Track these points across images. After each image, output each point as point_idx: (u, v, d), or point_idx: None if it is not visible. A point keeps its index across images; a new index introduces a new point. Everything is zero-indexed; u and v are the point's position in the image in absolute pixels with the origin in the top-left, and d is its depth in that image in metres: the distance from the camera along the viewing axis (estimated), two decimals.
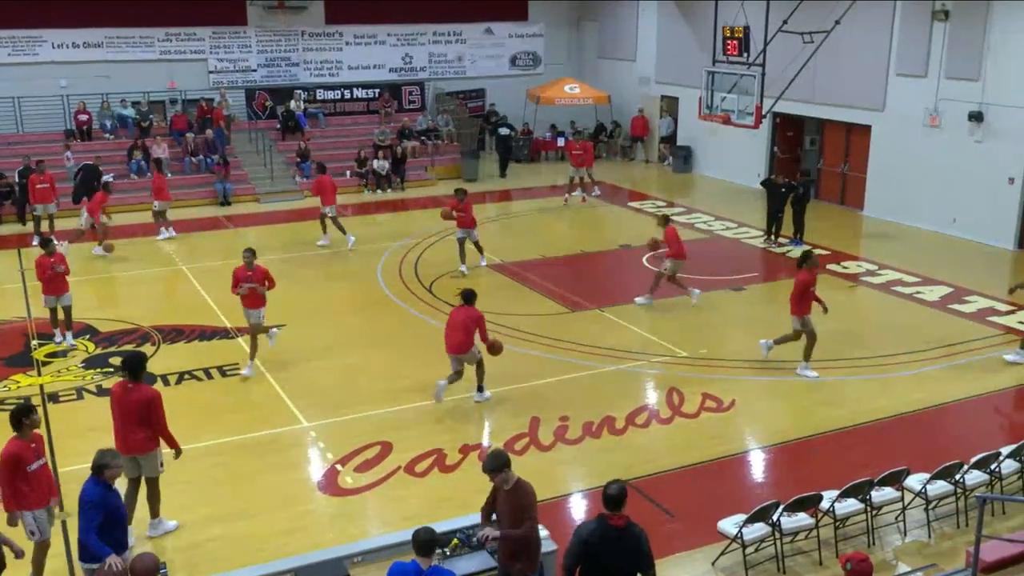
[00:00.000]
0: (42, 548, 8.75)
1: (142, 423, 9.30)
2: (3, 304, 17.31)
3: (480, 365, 12.92)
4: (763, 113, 20.50)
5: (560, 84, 31.30)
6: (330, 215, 20.92)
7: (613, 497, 6.96)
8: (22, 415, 8.43)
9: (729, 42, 21.43)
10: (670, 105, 30.80)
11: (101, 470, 7.83)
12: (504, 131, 30.24)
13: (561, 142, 31.54)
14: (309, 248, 20.92)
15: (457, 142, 30.03)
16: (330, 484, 10.96)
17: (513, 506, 7.37)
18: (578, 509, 10.55)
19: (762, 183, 22.32)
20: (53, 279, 14.73)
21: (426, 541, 6.83)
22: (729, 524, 9.22)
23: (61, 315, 15.07)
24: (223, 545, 9.63)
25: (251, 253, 14.11)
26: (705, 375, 13.99)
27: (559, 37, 34.03)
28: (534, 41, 33.62)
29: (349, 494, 10.73)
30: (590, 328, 15.92)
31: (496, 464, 7.38)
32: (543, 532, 8.08)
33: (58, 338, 15.12)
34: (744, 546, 9.04)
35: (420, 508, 10.16)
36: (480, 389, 13.04)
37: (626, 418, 12.55)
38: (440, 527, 8.10)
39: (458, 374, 12.89)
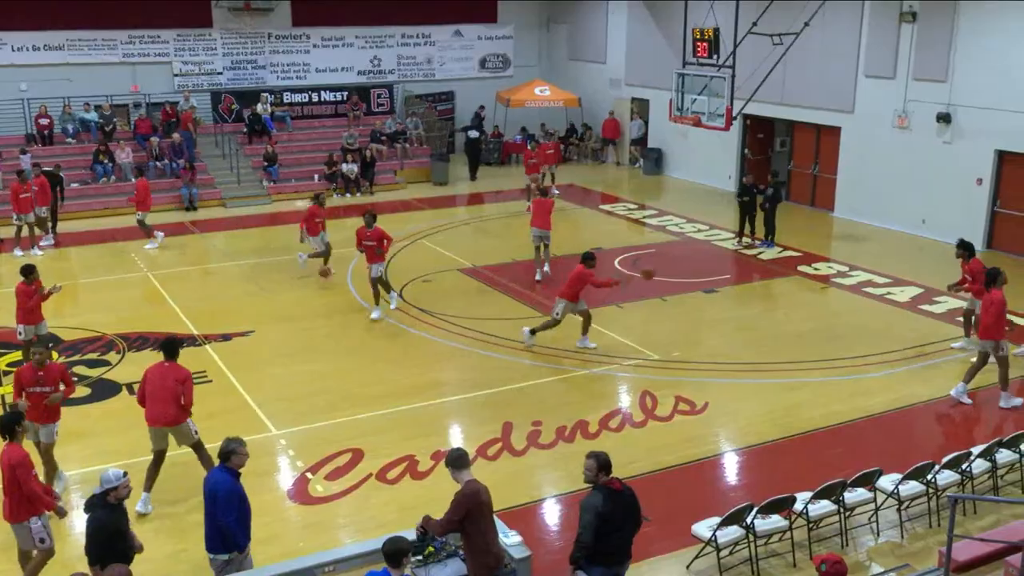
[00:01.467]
0: (48, 555, 8.77)
1: (176, 398, 10.23)
2: None
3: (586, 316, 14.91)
4: (733, 115, 20.64)
5: (530, 87, 31.34)
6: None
7: (608, 462, 7.66)
8: (14, 422, 8.60)
9: (699, 44, 21.56)
10: (641, 107, 30.95)
11: (228, 456, 8.01)
12: (473, 134, 30.24)
13: (530, 144, 31.49)
14: (277, 253, 20.78)
15: (427, 145, 30.00)
16: (300, 492, 10.89)
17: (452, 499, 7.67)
18: (552, 514, 10.56)
19: (738, 192, 22.38)
20: (35, 309, 13.78)
21: (394, 552, 6.89)
22: (703, 527, 9.27)
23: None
24: (190, 557, 9.52)
25: (371, 216, 16.60)
26: (678, 378, 14.07)
27: (529, 39, 34.10)
28: (504, 43, 33.66)
29: (320, 502, 10.68)
30: (562, 332, 15.93)
31: (447, 462, 7.86)
32: (515, 538, 8.08)
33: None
34: (718, 549, 9.09)
35: (393, 515, 10.13)
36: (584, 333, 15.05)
37: (599, 422, 12.59)
38: (411, 535, 8.09)
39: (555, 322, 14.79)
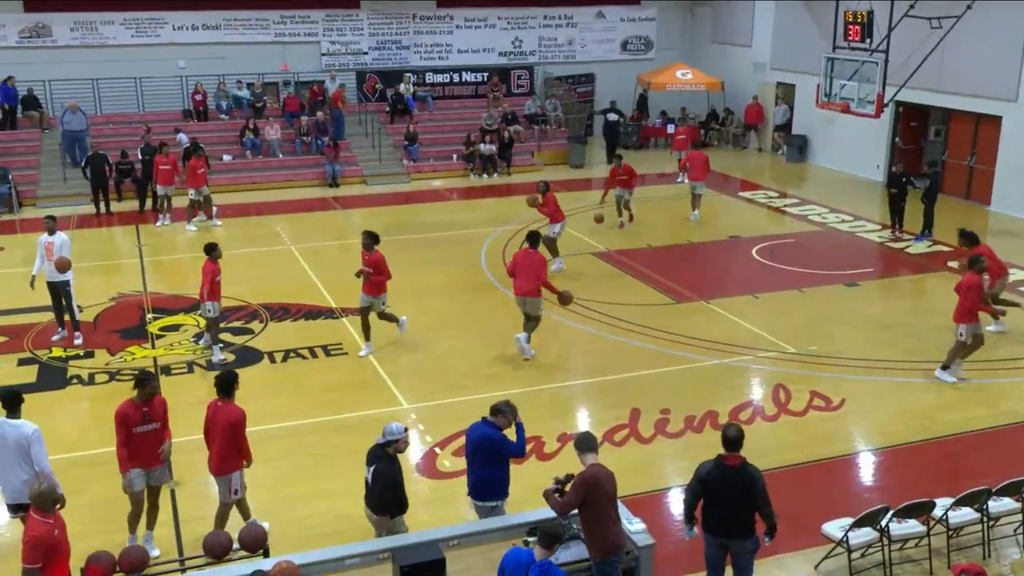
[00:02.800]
0: (231, 507, 9.22)
1: (227, 442, 9.03)
2: (122, 278, 18.09)
3: (536, 319, 13.68)
4: (885, 102, 19.89)
5: (672, 70, 30.90)
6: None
7: (731, 439, 7.73)
8: (232, 381, 9.07)
9: (851, 27, 20.83)
10: (786, 92, 30.09)
11: (496, 412, 8.61)
12: (612, 117, 30.04)
13: (671, 129, 31.15)
14: (414, 231, 21.20)
15: (565, 127, 29.99)
16: (428, 466, 11.13)
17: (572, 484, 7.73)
18: (677, 504, 10.45)
19: (887, 183, 21.49)
20: (217, 287, 13.86)
21: (553, 535, 6.84)
22: (834, 527, 9.02)
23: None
24: (323, 522, 9.88)
25: (371, 237, 14.07)
26: (814, 372, 13.68)
27: (672, 21, 33.59)
28: (646, 25, 33.27)
29: (447, 477, 10.88)
30: (695, 320, 15.74)
31: (575, 444, 7.90)
32: (639, 525, 8.04)
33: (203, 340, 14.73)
34: (850, 551, 8.82)
35: (519, 495, 10.19)
36: (527, 339, 13.84)
37: (729, 413, 12.38)
38: (537, 515, 8.16)
39: (534, 320, 13.80)
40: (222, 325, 14.88)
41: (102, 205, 22.94)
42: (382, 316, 14.41)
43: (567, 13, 32.14)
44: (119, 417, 8.88)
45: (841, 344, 14.74)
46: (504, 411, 8.61)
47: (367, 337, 14.30)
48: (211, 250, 13.84)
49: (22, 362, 13.98)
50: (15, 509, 8.81)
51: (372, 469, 8.31)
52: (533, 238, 14.04)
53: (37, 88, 26.27)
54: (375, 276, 13.85)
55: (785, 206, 23.84)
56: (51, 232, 14.37)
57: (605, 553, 7.58)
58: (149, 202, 23.06)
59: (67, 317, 14.63)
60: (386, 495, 8.22)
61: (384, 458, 8.29)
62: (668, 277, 18.00)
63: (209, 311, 13.87)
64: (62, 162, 24.82)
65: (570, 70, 32.41)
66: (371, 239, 13.99)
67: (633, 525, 8.04)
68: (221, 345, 14.29)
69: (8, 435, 8.56)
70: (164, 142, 22.88)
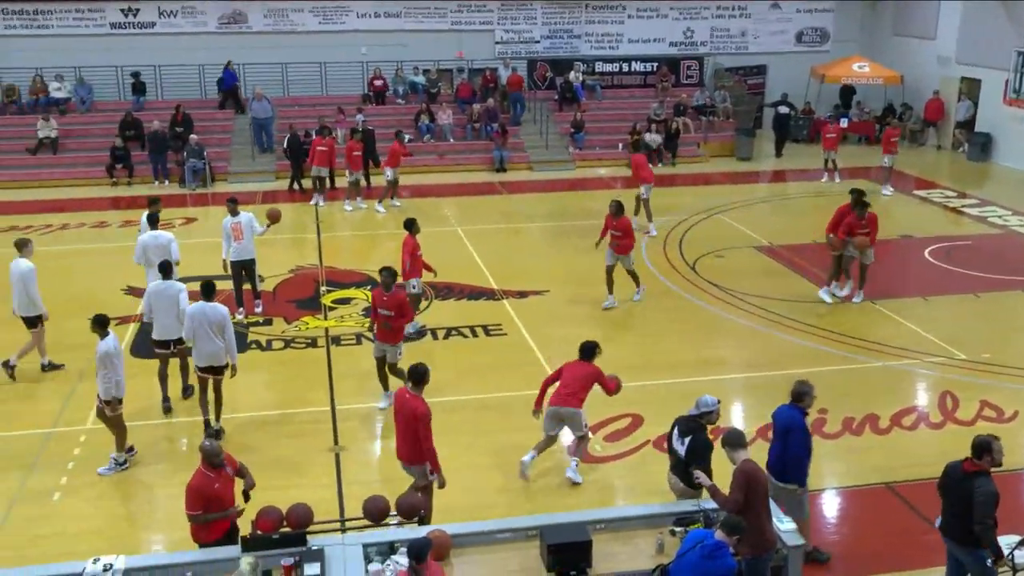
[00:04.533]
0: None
1: (412, 433, 8.91)
2: (300, 252, 18.92)
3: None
4: None
5: (848, 63, 29.68)
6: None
7: (977, 445, 7.68)
8: (424, 373, 8.98)
9: None
10: (970, 88, 28.35)
11: (801, 397, 8.57)
12: (783, 109, 29.13)
13: (844, 123, 29.93)
14: (576, 217, 21.22)
15: (733, 119, 29.31)
16: (580, 450, 11.14)
17: (731, 478, 7.53)
18: (830, 506, 10.11)
19: None
20: (418, 261, 14.03)
21: (734, 524, 6.84)
22: (1000, 543, 8.50)
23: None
24: (476, 496, 10.06)
25: (391, 274, 11.96)
26: (986, 381, 12.90)
27: (851, 12, 32.19)
28: (823, 16, 32.04)
29: (597, 462, 10.89)
30: (859, 319, 15.11)
31: (723, 440, 7.75)
32: (789, 524, 7.83)
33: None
34: (1015, 570, 8.30)
35: (667, 484, 10.11)
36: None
37: (891, 418, 11.84)
38: (684, 506, 8.07)
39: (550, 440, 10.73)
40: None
41: (296, 183, 24.01)
42: (393, 370, 12.11)
43: (741, 4, 31.33)
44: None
45: (1018, 354, 13.83)
46: (809, 393, 8.55)
47: (385, 387, 12.14)
48: (410, 225, 14.05)
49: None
50: (206, 371, 11.14)
51: (688, 440, 8.34)
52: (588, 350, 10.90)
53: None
54: (397, 322, 11.91)
55: (963, 206, 22.54)
56: (234, 214, 14.62)
57: (758, 550, 7.41)
58: (307, 182, 23.75)
59: (247, 286, 15.08)
60: (703, 462, 8.21)
61: (701, 429, 8.37)
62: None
63: (414, 287, 14.01)
64: (251, 143, 26.16)
65: (741, 61, 31.61)
66: (391, 275, 11.93)
67: (783, 524, 7.83)
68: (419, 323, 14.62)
69: (208, 314, 10.94)
70: (326, 125, 23.69)
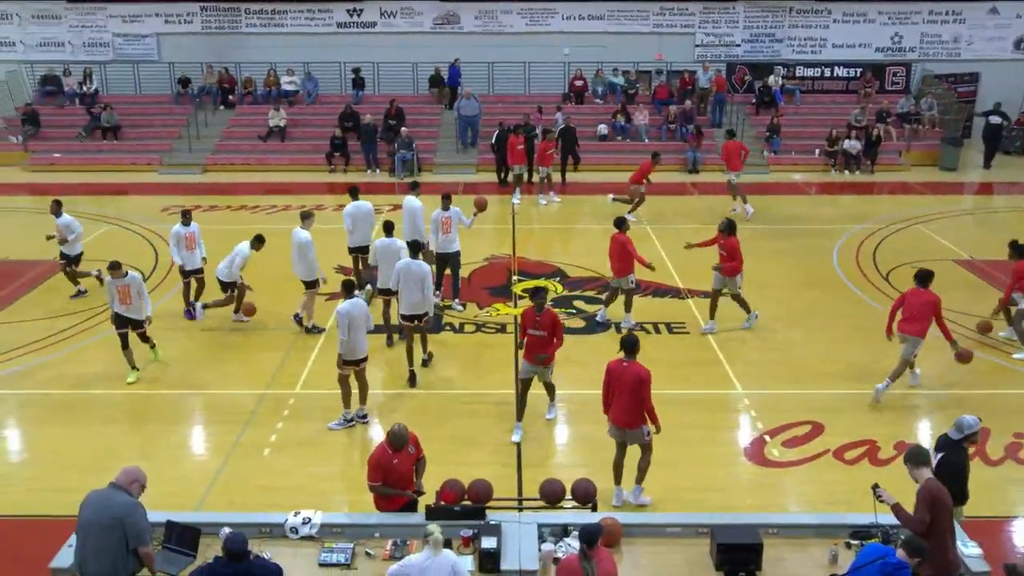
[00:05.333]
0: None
1: (634, 397, 9.32)
2: (495, 241, 19.30)
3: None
4: None
5: None
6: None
7: None
8: (636, 343, 9.50)
9: None
10: None
11: None
12: (995, 119, 27.10)
13: None
14: (767, 221, 20.60)
15: (939, 128, 27.55)
16: (756, 453, 10.87)
17: (916, 497, 7.09)
18: (1021, 535, 9.38)
19: None
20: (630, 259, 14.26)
21: (918, 546, 6.54)
22: None
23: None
24: (649, 488, 9.98)
25: (543, 295, 11.41)
26: None
27: None
28: None
29: (774, 466, 10.57)
30: None
31: (906, 456, 7.37)
32: (975, 550, 7.33)
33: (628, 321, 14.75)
34: None
35: (845, 495, 9.71)
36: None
37: None
38: (861, 519, 7.71)
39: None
40: (577, 292, 15.35)
41: (504, 177, 24.52)
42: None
43: (955, 8, 29.36)
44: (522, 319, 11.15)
45: None
46: None
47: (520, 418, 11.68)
48: (620, 224, 14.38)
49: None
50: (409, 319, 12.46)
51: (939, 458, 8.00)
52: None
53: (443, 69, 28.66)
54: (549, 345, 11.18)
55: None
56: (446, 208, 14.73)
57: (940, 572, 6.99)
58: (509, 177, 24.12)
59: (448, 272, 15.44)
60: (955, 486, 7.81)
61: (957, 449, 8.03)
62: None
63: (631, 282, 14.36)
64: (456, 138, 26.92)
65: (952, 68, 29.65)
66: (543, 297, 11.27)
67: (968, 548, 7.35)
68: (630, 318, 14.67)
69: (413, 270, 12.28)
70: (520, 124, 23.95)
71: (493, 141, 24.79)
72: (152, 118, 28.31)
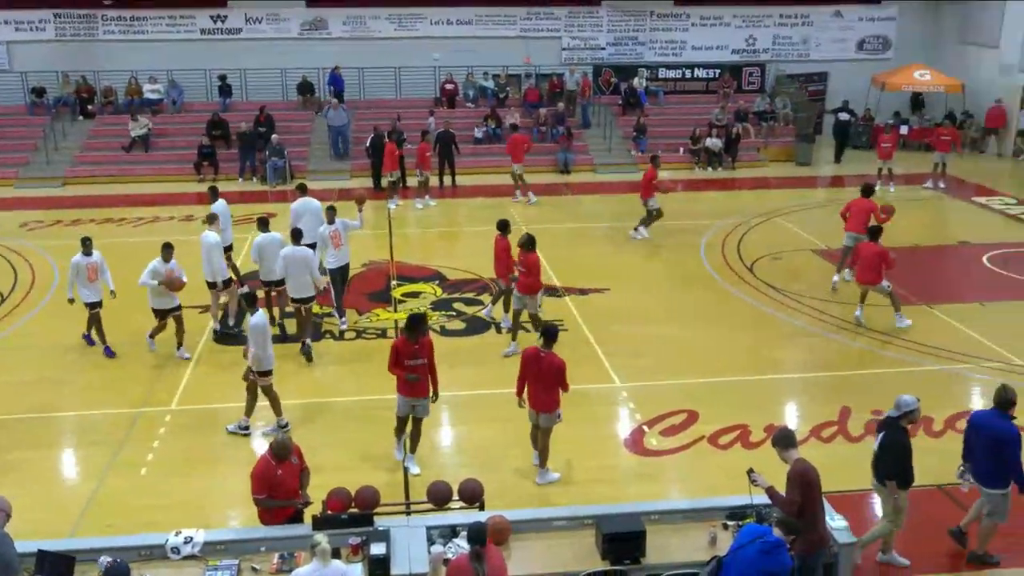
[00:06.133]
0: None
1: (550, 385, 9.85)
2: (373, 247, 19.11)
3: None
4: None
5: (909, 70, 28.97)
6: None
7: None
8: (556, 332, 10.02)
9: None
10: None
11: (1007, 404, 8.42)
12: (844, 116, 28.55)
13: (904, 130, 29.25)
14: (637, 219, 21.07)
15: (793, 125, 28.84)
16: (636, 443, 11.11)
17: (787, 479, 7.37)
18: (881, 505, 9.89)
19: None
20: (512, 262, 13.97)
21: (792, 525, 6.85)
22: None
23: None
24: (532, 485, 10.09)
25: (529, 240, 13.32)
26: None
27: (914, 21, 31.35)
28: (886, 25, 31.30)
29: (653, 455, 10.83)
30: (916, 323, 14.75)
31: (774, 440, 7.68)
32: (841, 522, 7.69)
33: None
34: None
35: (721, 479, 10.03)
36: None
37: (945, 421, 11.55)
38: (737, 500, 7.98)
39: None
40: (456, 295, 15.34)
41: (379, 182, 24.21)
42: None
43: (803, 12, 30.77)
44: (391, 351, 10.14)
45: None
46: (1014, 400, 8.38)
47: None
48: (504, 227, 14.24)
49: (287, 314, 14.99)
50: (299, 301, 13.37)
51: (881, 437, 8.34)
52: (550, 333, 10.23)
53: (311, 75, 28.19)
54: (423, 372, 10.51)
55: (1023, 214, 21.87)
56: (331, 221, 14.28)
57: (812, 547, 7.30)
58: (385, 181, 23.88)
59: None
60: (899, 465, 8.21)
61: (896, 428, 8.27)
62: (891, 279, 16.94)
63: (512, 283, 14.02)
64: (329, 145, 26.52)
65: (803, 69, 31.05)
66: (421, 322, 10.52)
67: (836, 521, 7.71)
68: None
69: (298, 255, 13.17)
70: (392, 129, 23.77)
71: (368, 145, 24.55)
72: (5, 130, 26.80)
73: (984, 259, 18.15)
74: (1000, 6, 28.33)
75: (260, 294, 14.10)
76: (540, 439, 10.17)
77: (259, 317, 10.95)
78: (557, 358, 9.82)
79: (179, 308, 13.45)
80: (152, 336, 13.57)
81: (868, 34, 31.31)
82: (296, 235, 13.45)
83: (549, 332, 9.99)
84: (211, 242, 13.87)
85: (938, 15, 31.38)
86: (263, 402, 11.25)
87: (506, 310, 14.53)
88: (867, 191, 16.24)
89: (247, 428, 11.24)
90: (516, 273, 13.68)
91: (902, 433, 8.24)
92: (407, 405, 10.20)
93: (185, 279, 13.39)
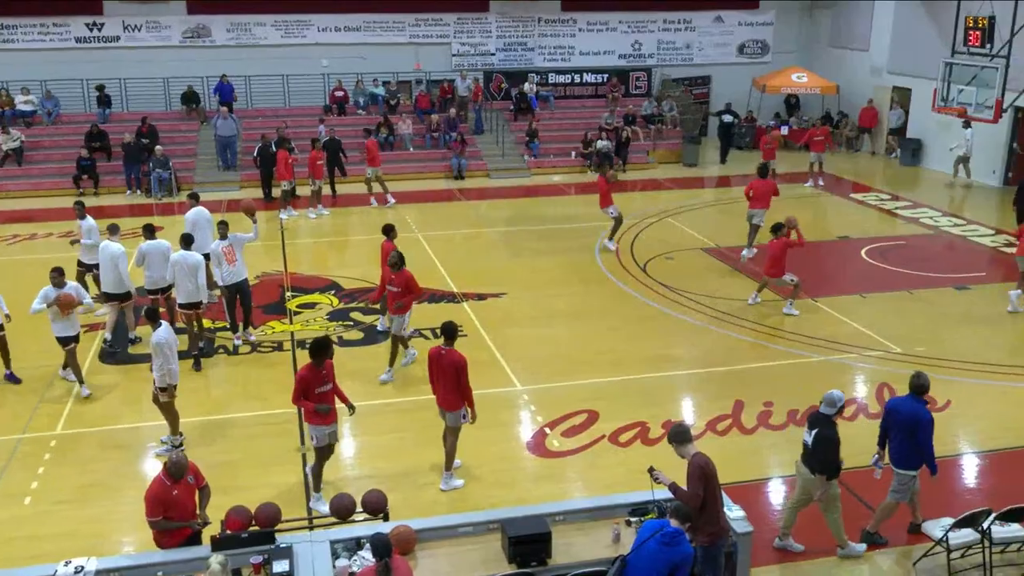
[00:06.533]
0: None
1: (452, 382, 9.89)
2: (266, 258, 18.74)
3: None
4: (1004, 107, 18.88)
5: (787, 73, 30.09)
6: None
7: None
8: (455, 329, 9.95)
9: (971, 32, 19.89)
10: (902, 96, 28.90)
11: (922, 389, 8.89)
12: (727, 118, 29.46)
13: (784, 130, 30.37)
14: (532, 223, 21.28)
15: (680, 127, 29.58)
16: (538, 445, 11.19)
17: (686, 474, 7.50)
18: (776, 494, 10.24)
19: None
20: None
21: (686, 512, 6.99)
22: (934, 526, 8.69)
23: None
24: (437, 493, 10.05)
25: (399, 258, 12.78)
26: None
27: (789, 25, 32.62)
28: (764, 29, 32.45)
29: (556, 456, 10.92)
30: (802, 317, 15.33)
31: (670, 437, 7.74)
32: (738, 512, 7.90)
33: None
34: (949, 551, 8.47)
35: (622, 476, 10.20)
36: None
37: None
38: (638, 497, 8.12)
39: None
40: (353, 304, 15.18)
41: (269, 193, 23.73)
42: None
43: (686, 17, 31.62)
44: (300, 382, 9.51)
45: (949, 346, 14.13)
46: (928, 385, 8.93)
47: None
48: (388, 231, 14.18)
49: (179, 331, 14.55)
50: (186, 307, 13.46)
51: (814, 433, 8.63)
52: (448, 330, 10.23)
53: (196, 84, 27.44)
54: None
55: (897, 209, 22.96)
56: (224, 236, 13.81)
57: (713, 538, 7.47)
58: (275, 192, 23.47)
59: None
60: (829, 458, 8.57)
61: (828, 424, 8.62)
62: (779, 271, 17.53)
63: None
64: (217, 155, 25.86)
65: (687, 72, 31.91)
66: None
67: (733, 512, 7.92)
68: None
69: (189, 261, 13.25)
70: (286, 137, 23.35)
71: (255, 155, 24.04)
72: None
73: (863, 253, 18.98)
74: (869, 10, 29.71)
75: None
76: (447, 440, 10.16)
77: (164, 332, 10.62)
78: (457, 354, 9.90)
79: (78, 338, 12.52)
80: (65, 368, 12.75)
81: (748, 38, 32.39)
82: (187, 240, 13.58)
83: (448, 329, 10.01)
84: (117, 252, 13.66)
85: (812, 20, 32.71)
86: (160, 420, 10.92)
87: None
88: (763, 171, 18.61)
89: (180, 444, 10.94)
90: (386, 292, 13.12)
91: (833, 429, 8.64)
92: (326, 435, 9.68)
93: (87, 299, 12.69)
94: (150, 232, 14.01)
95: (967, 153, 24.81)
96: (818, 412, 8.76)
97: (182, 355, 12.21)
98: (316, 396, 9.51)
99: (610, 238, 19.22)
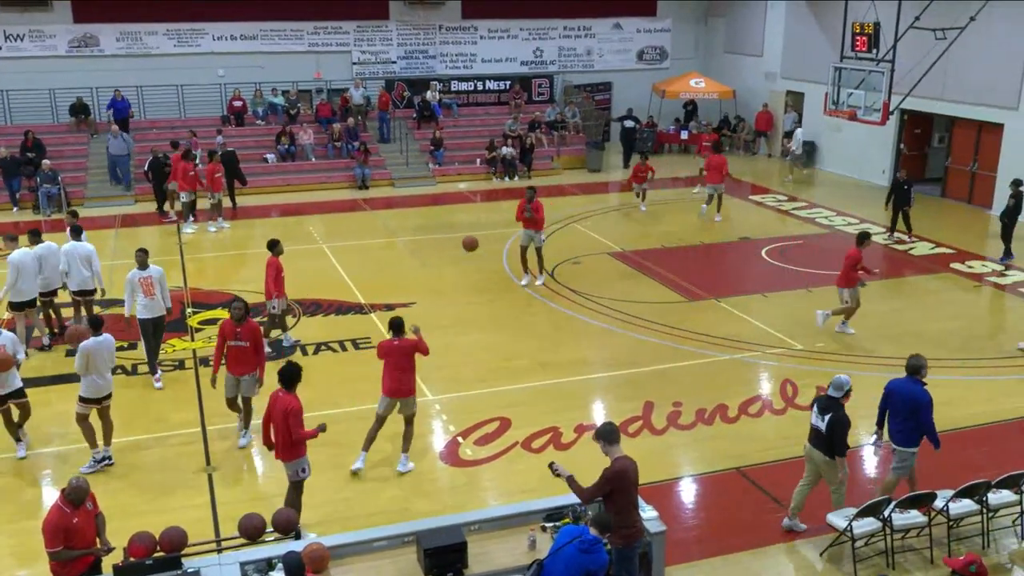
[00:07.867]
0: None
1: (409, 369, 10.58)
2: (165, 274, 18.15)
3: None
4: (890, 109, 19.70)
5: (686, 79, 30.80)
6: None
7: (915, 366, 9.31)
8: (297, 373, 9.26)
9: (858, 38, 20.68)
10: (795, 100, 29.90)
11: (919, 370, 9.31)
12: (629, 123, 29.97)
13: (684, 135, 31.10)
14: (439, 231, 21.23)
15: (583, 133, 29.95)
16: (451, 455, 11.15)
17: (601, 473, 7.61)
18: (688, 493, 10.43)
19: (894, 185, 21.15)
20: (281, 282, 14.01)
21: (604, 521, 7.11)
22: (839, 517, 8.97)
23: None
24: (350, 506, 9.93)
25: (532, 191, 17.62)
26: (820, 368, 13.59)
27: (686, 32, 33.42)
28: (661, 36, 33.14)
29: (469, 465, 10.91)
30: (706, 317, 15.68)
31: (599, 434, 7.75)
32: (651, 513, 8.02)
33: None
34: (853, 540, 8.77)
35: (536, 482, 10.23)
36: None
37: (739, 407, 12.33)
38: (552, 502, 8.17)
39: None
40: (258, 319, 14.86)
41: (162, 206, 23.04)
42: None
43: (586, 24, 32.07)
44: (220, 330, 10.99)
45: (847, 341, 14.65)
46: (927, 365, 9.37)
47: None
48: (273, 246, 13.93)
49: (69, 353, 14.03)
50: (79, 294, 14.20)
51: (828, 417, 8.95)
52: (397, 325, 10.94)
53: (85, 95, 26.51)
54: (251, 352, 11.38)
55: (793, 209, 23.71)
56: (143, 266, 12.96)
57: (629, 540, 7.55)
58: (177, 206, 22.85)
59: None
60: (843, 440, 8.91)
61: (839, 405, 8.98)
62: (681, 276, 17.93)
63: (274, 307, 13.95)
64: (108, 171, 25.01)
65: (588, 79, 32.36)
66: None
67: (646, 512, 8.02)
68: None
69: (80, 251, 14.04)
70: (188, 149, 22.73)
71: (147, 169, 23.34)
72: None
73: (763, 253, 19.53)
74: (761, 19, 30.66)
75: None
76: (406, 428, 10.59)
77: (93, 341, 10.48)
78: (294, 399, 9.08)
79: (22, 392, 10.99)
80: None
81: (646, 45, 33.03)
82: (76, 231, 14.38)
83: (284, 374, 9.15)
84: (91, 249, 14.33)
85: (708, 26, 33.58)
86: (82, 444, 10.54)
87: (284, 329, 14.29)
88: (717, 147, 22.81)
89: (102, 460, 10.72)
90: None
91: (843, 411, 9.01)
92: (234, 385, 11.15)
93: (21, 356, 11.21)
94: (36, 236, 14.39)
95: (798, 150, 27.32)
96: (828, 396, 9.14)
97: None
98: (232, 350, 10.96)
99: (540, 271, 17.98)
